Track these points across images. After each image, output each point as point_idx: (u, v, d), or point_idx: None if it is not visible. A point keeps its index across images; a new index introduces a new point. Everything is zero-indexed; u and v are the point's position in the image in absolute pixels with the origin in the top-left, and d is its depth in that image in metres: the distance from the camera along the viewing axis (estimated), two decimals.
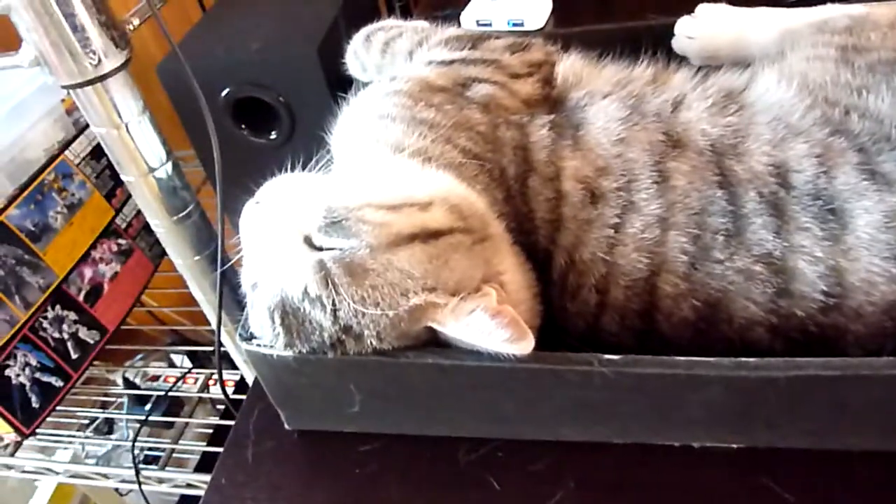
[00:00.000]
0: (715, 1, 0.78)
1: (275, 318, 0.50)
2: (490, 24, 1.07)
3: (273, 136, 1.12)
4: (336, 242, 0.49)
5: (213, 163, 0.62)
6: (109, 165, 1.21)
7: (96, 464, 1.54)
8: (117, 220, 1.24)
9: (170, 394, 1.38)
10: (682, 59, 0.74)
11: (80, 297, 1.16)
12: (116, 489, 1.65)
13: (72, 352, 1.15)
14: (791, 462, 0.51)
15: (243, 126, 1.08)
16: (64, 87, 0.55)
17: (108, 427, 1.61)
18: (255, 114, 1.07)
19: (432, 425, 0.56)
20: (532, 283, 0.54)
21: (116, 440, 1.56)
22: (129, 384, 1.56)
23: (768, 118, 0.56)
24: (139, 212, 1.29)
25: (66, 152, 1.13)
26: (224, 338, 0.74)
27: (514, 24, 1.07)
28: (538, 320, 0.54)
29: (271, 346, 0.51)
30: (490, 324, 0.46)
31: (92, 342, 1.19)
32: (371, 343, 0.49)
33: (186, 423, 1.30)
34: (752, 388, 0.46)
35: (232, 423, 0.61)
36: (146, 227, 1.32)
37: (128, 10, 0.57)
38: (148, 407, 1.61)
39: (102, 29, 0.53)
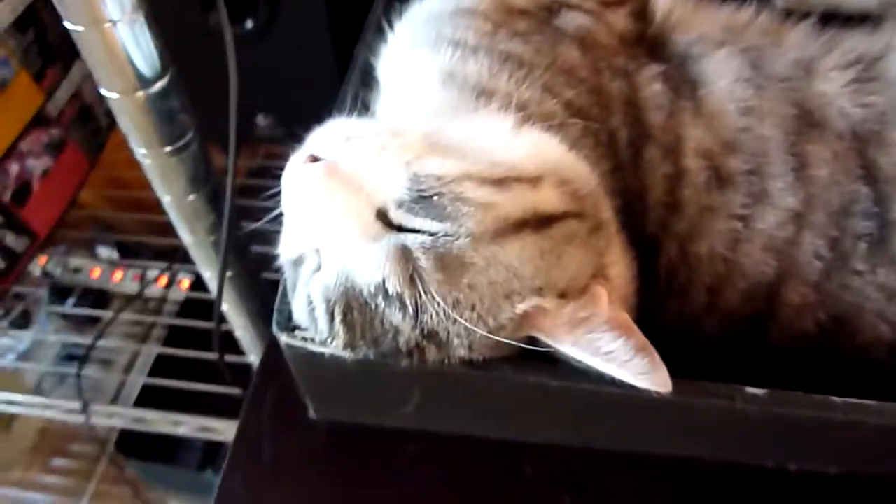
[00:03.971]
0: None
1: (334, 313, 0.38)
2: None
3: (249, 24, 0.94)
4: (422, 223, 0.37)
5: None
6: (38, 39, 1.00)
7: (16, 360, 1.43)
8: (48, 107, 1.04)
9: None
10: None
11: (7, 198, 0.98)
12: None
13: None
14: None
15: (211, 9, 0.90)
16: None
17: (23, 320, 1.48)
18: None
19: (495, 430, 0.48)
20: (635, 275, 0.45)
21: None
22: (48, 276, 1.42)
23: None
24: (74, 96, 1.09)
25: None
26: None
27: None
28: (634, 317, 0.46)
29: (323, 343, 0.40)
30: (621, 349, 0.37)
31: (20, 250, 1.02)
32: (458, 353, 0.39)
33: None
34: None
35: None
36: (81, 115, 1.12)
37: None
38: (72, 301, 1.50)
39: None
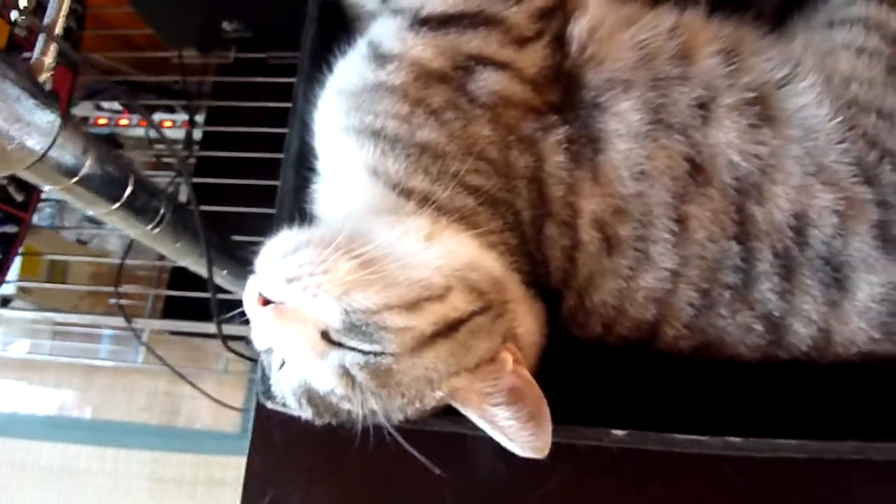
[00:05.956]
0: None
1: (301, 401, 0.51)
2: None
3: None
4: (356, 344, 0.48)
5: None
6: None
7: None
8: (16, 34, 1.05)
9: None
10: None
11: None
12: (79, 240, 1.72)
13: (15, 194, 1.08)
14: None
15: None
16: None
17: None
18: None
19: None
20: (542, 316, 0.56)
21: None
22: None
23: (800, 151, 0.52)
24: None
25: None
26: None
27: None
28: (545, 340, 0.57)
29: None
30: (513, 425, 0.49)
31: None
32: (398, 418, 0.52)
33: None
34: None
35: None
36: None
37: None
38: None
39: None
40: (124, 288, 1.30)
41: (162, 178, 1.48)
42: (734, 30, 0.58)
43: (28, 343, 1.82)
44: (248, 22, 1.07)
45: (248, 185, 1.13)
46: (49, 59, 0.46)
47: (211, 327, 1.09)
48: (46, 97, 0.43)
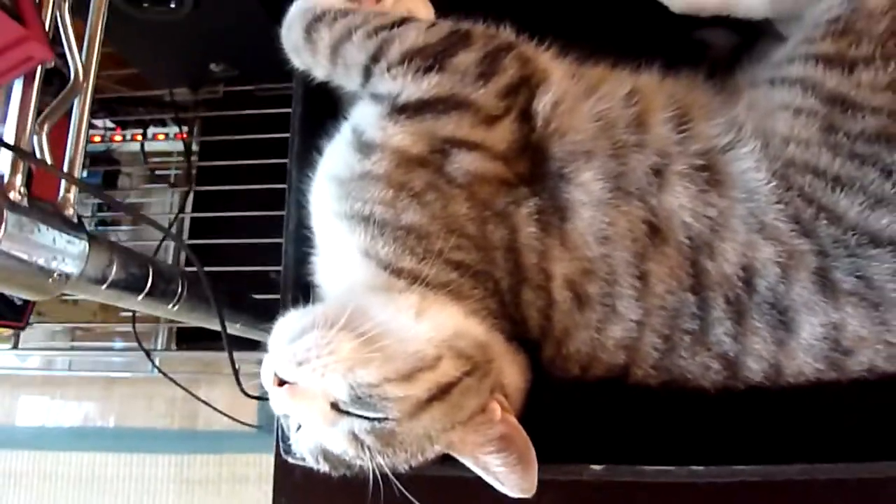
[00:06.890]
0: None
1: (318, 458, 0.59)
2: None
3: (172, 5, 0.96)
4: (362, 412, 0.55)
5: None
6: None
7: None
8: None
9: None
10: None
11: None
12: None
13: None
14: None
15: None
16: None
17: None
18: None
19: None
20: (525, 365, 0.63)
21: None
22: None
23: (744, 211, 0.58)
24: None
25: None
26: None
27: None
28: (529, 385, 0.64)
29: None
30: (503, 470, 0.56)
31: None
32: (404, 468, 0.59)
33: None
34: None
35: None
36: None
37: None
38: (84, 173, 1.66)
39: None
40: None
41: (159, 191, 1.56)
42: (686, 92, 0.64)
43: (45, 359, 1.90)
44: (235, 63, 1.11)
45: (247, 215, 1.19)
46: (72, 195, 0.51)
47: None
48: (75, 228, 0.49)
